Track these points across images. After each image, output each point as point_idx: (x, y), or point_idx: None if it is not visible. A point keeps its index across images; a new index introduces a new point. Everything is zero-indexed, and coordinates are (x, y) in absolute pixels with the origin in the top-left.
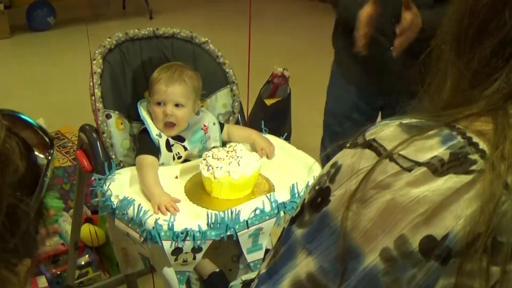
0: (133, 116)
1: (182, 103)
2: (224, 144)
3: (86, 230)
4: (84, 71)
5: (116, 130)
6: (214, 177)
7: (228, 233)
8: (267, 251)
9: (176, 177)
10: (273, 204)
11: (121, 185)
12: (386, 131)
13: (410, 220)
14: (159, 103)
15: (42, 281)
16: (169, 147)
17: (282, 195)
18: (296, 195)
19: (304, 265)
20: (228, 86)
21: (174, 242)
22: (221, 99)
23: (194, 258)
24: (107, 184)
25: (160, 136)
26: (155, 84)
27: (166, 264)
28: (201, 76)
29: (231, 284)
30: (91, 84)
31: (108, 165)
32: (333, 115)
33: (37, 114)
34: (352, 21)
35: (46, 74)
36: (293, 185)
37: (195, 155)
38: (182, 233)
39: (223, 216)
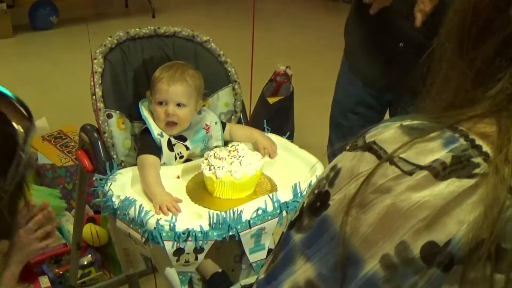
0: (134, 116)
1: (183, 103)
2: (226, 143)
3: (89, 230)
4: (86, 70)
5: (117, 130)
6: (216, 177)
7: (230, 234)
8: (269, 251)
9: (178, 177)
10: (276, 204)
11: (122, 185)
12: (387, 134)
13: (411, 225)
14: (160, 103)
15: (45, 281)
16: (170, 146)
17: (285, 195)
18: (299, 194)
19: (302, 271)
20: (230, 85)
21: (175, 243)
22: (223, 98)
23: (196, 258)
24: (108, 184)
25: (161, 135)
26: (156, 84)
27: (168, 264)
28: (203, 75)
29: None
30: (92, 83)
31: (109, 165)
32: (339, 108)
33: (39, 113)
34: None
35: (49, 73)
36: (295, 184)
37: (197, 155)
38: (183, 233)
39: (225, 216)
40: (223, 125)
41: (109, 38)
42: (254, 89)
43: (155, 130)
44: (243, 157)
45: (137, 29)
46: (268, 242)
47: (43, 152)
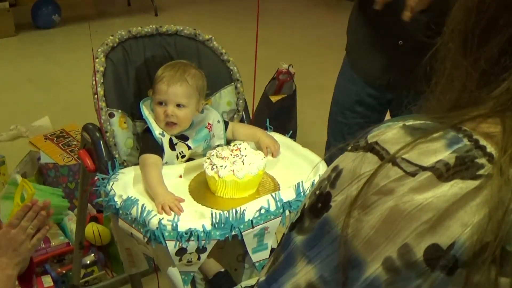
0: (136, 115)
1: (183, 104)
2: (228, 142)
3: (91, 229)
4: (88, 69)
5: (119, 129)
6: (219, 176)
7: (233, 233)
8: (272, 250)
9: (180, 176)
10: (278, 203)
11: (124, 185)
12: (389, 134)
13: (414, 228)
14: (160, 103)
15: (48, 281)
16: (172, 146)
17: (288, 194)
18: (302, 194)
19: (304, 273)
20: (233, 83)
21: (178, 243)
22: (225, 96)
23: (199, 258)
24: (111, 183)
25: (163, 135)
26: (157, 83)
27: (171, 264)
28: (205, 74)
29: None
30: (94, 82)
31: (111, 165)
32: (338, 105)
33: (41, 112)
34: None
35: (51, 72)
36: (298, 183)
37: (199, 154)
38: (186, 233)
39: (227, 215)
40: (226, 124)
41: (111, 37)
42: (257, 87)
43: (156, 130)
44: (245, 156)
45: (139, 28)
46: (271, 241)
47: (46, 151)
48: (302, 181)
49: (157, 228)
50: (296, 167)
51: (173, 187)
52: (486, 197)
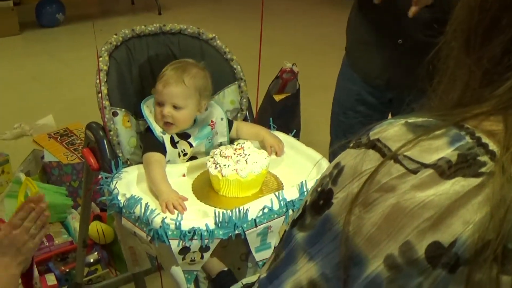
0: (139, 114)
1: (179, 105)
2: (232, 141)
3: (95, 227)
4: (92, 67)
5: (123, 128)
6: (222, 175)
7: (236, 232)
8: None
9: (184, 175)
10: (282, 202)
11: (128, 184)
12: (391, 131)
13: (416, 225)
14: (159, 103)
15: (51, 279)
16: (173, 143)
17: (291, 193)
18: (305, 193)
19: (305, 270)
20: (236, 82)
21: (181, 241)
22: (229, 95)
23: (202, 257)
24: (114, 182)
25: (164, 133)
26: (157, 82)
27: (174, 263)
28: (208, 72)
29: (231, 287)
30: (98, 81)
31: (115, 163)
32: (339, 105)
33: (45, 110)
34: None
35: (55, 71)
36: (302, 183)
37: (202, 152)
38: (189, 232)
39: (231, 214)
40: (230, 123)
41: (115, 36)
42: (260, 86)
43: (157, 129)
44: (249, 155)
45: (143, 27)
46: (274, 240)
47: (49, 149)
48: (305, 180)
49: (160, 226)
50: (300, 166)
51: (177, 185)
52: (488, 195)
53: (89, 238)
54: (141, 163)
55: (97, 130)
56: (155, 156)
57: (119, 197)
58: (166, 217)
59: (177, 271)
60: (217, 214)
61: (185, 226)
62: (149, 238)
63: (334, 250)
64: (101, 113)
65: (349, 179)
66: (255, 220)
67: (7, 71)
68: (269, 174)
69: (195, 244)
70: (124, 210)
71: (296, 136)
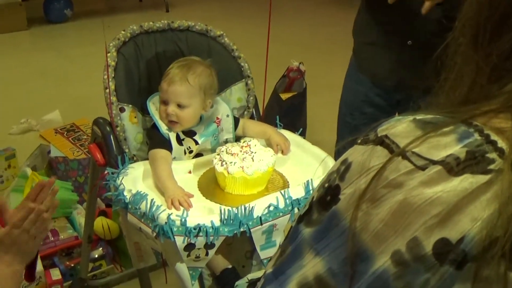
0: (146, 110)
1: (184, 104)
2: (238, 139)
3: (100, 223)
4: (99, 63)
5: (130, 124)
6: (228, 173)
7: (241, 230)
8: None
9: (190, 172)
10: (287, 200)
11: (134, 180)
12: (399, 127)
13: (424, 221)
14: (163, 101)
15: (56, 274)
16: (179, 141)
17: (297, 192)
18: (311, 191)
19: (311, 266)
20: (243, 80)
21: (186, 238)
22: (236, 93)
23: (207, 254)
24: (120, 178)
25: (169, 130)
26: (162, 80)
27: (179, 259)
28: (216, 70)
29: (236, 283)
30: (106, 77)
31: (121, 159)
32: (346, 106)
33: (52, 106)
34: None
35: (62, 66)
36: (307, 181)
37: (208, 149)
38: (194, 228)
39: (236, 212)
40: (237, 121)
41: (123, 32)
42: (267, 84)
43: (163, 126)
44: (255, 153)
45: (151, 23)
46: (280, 239)
47: (56, 145)
48: (311, 179)
49: (166, 223)
50: (306, 165)
51: (182, 182)
52: (497, 192)
53: (94, 233)
54: (147, 159)
55: (104, 126)
56: (161, 152)
57: (125, 193)
58: (171, 213)
59: (182, 267)
60: (222, 211)
61: (191, 223)
62: (155, 234)
63: (341, 246)
64: (108, 108)
65: (356, 175)
66: (260, 217)
67: (14, 66)
68: (275, 172)
69: (200, 241)
70: (130, 206)
71: (302, 134)
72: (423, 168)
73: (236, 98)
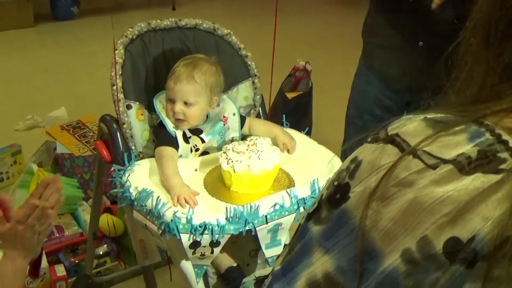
0: (153, 107)
1: (190, 102)
2: (245, 137)
3: (105, 220)
4: (106, 61)
5: (136, 121)
6: (234, 171)
7: (247, 228)
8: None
9: (196, 170)
10: (293, 199)
11: (140, 177)
12: (410, 126)
13: (434, 220)
14: (170, 99)
15: (61, 270)
16: (186, 139)
17: (303, 191)
18: (317, 191)
19: (320, 263)
20: (250, 79)
21: (192, 236)
22: (243, 91)
23: (212, 252)
24: (126, 175)
25: (176, 128)
26: (168, 78)
27: (184, 257)
28: (223, 68)
29: (243, 280)
30: (113, 74)
31: (127, 156)
32: (355, 108)
33: (58, 103)
34: None
35: (69, 64)
36: (313, 180)
37: (214, 148)
38: (200, 226)
39: (242, 210)
40: (243, 119)
41: (130, 29)
42: (273, 83)
43: (169, 124)
44: (261, 151)
45: (159, 21)
46: (285, 237)
47: (62, 141)
48: (317, 178)
49: (171, 220)
50: (312, 164)
51: (188, 180)
52: (508, 192)
53: (99, 230)
54: (153, 156)
55: (111, 123)
56: (167, 150)
57: (131, 190)
58: (177, 211)
59: (187, 265)
60: (228, 209)
61: (196, 221)
62: (160, 231)
63: (350, 244)
64: (115, 105)
65: (366, 173)
66: (266, 216)
67: (20, 62)
68: (281, 171)
69: (205, 239)
70: (135, 203)
71: (308, 134)
72: (434, 167)
73: (242, 97)
